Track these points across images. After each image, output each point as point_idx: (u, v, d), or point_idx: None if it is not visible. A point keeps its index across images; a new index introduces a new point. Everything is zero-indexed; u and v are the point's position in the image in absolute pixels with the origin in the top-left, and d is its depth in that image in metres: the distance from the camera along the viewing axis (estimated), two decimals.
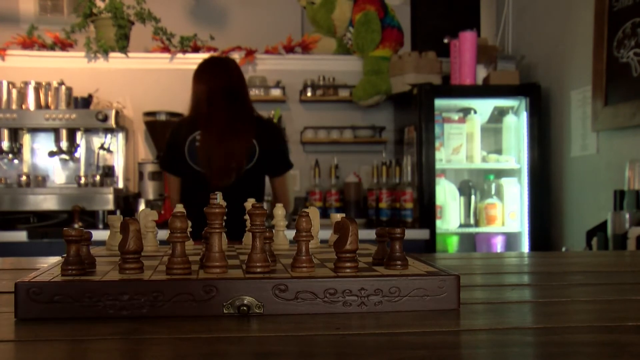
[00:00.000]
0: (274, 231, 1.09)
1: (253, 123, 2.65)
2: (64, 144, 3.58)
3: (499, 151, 4.01)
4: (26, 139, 3.72)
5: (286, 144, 2.88)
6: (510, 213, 3.83)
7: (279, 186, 2.78)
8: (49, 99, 3.61)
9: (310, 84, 4.06)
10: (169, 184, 2.82)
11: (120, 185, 3.69)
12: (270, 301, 0.75)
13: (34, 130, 3.70)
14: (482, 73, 3.87)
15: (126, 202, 3.69)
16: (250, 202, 0.92)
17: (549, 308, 0.83)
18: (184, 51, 4.02)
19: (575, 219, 3.58)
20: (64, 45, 3.94)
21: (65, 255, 0.80)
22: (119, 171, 3.72)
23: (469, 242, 4.05)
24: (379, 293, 0.77)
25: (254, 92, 4.01)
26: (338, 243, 0.81)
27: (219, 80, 2.63)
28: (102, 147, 3.70)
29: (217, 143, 2.57)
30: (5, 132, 3.59)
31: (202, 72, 2.68)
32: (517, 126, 3.87)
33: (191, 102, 2.68)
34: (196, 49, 4.04)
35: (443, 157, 3.80)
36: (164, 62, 4.03)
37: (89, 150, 3.75)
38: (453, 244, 3.91)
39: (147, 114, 3.84)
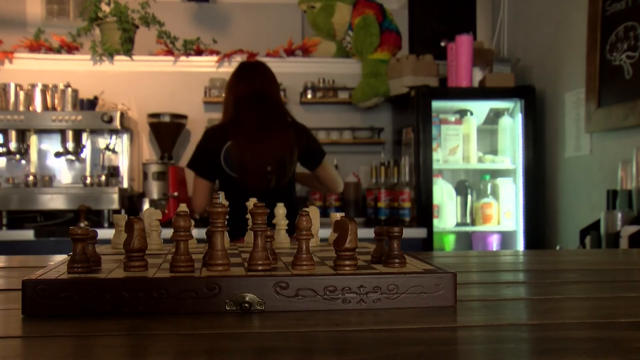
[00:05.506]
0: (275, 230, 1.10)
1: (286, 126, 2.66)
2: (70, 145, 3.59)
3: (494, 152, 4.03)
4: (33, 140, 3.73)
5: (314, 136, 2.91)
6: (506, 212, 3.85)
7: (323, 175, 2.86)
8: (56, 101, 3.62)
9: (311, 86, 4.07)
10: (195, 186, 2.74)
11: (125, 185, 3.70)
12: (271, 298, 0.75)
13: (40, 132, 3.72)
14: (478, 75, 3.89)
15: (131, 202, 3.70)
16: (251, 202, 0.93)
17: (543, 305, 0.84)
18: (187, 54, 4.03)
19: (569, 218, 3.60)
20: (70, 48, 3.95)
21: (71, 253, 0.80)
22: (124, 171, 3.73)
23: (466, 240, 4.07)
24: (377, 290, 0.77)
25: None
26: (337, 241, 0.81)
27: (245, 86, 2.65)
28: (107, 148, 3.72)
29: (247, 149, 2.58)
30: (13, 133, 3.60)
31: (231, 79, 2.71)
32: (512, 127, 3.88)
33: (223, 110, 2.73)
34: (199, 52, 4.05)
35: (440, 157, 3.82)
36: (167, 65, 4.04)
37: (94, 151, 3.76)
38: (450, 242, 3.93)
39: (152, 115, 3.86)
